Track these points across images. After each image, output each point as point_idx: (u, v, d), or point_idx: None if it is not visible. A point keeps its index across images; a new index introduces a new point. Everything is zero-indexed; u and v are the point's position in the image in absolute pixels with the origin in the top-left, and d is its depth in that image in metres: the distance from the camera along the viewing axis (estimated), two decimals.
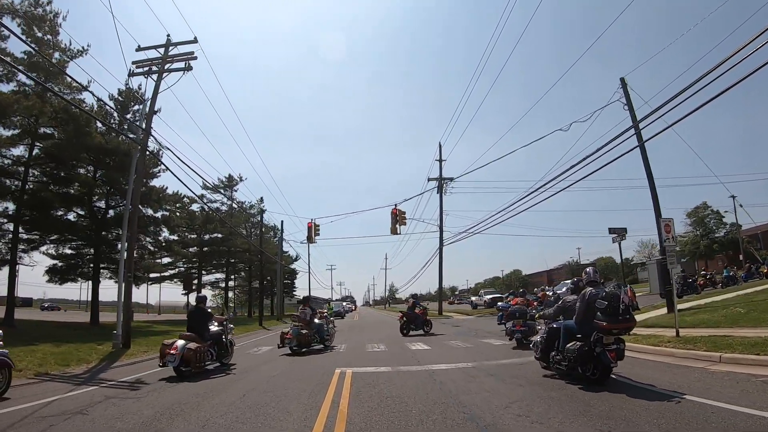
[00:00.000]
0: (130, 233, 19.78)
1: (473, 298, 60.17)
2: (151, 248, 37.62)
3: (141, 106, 24.43)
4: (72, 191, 29.28)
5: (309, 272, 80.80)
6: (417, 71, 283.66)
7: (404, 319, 22.72)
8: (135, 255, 22.57)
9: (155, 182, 34.21)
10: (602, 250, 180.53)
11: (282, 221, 59.35)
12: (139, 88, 27.03)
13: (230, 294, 77.22)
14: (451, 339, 19.04)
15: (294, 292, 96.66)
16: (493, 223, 33.92)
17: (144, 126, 20.73)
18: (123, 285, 19.08)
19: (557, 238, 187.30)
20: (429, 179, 45.73)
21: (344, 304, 76.45)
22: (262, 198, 63.05)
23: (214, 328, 12.52)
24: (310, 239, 33.81)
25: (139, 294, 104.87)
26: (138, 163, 20.33)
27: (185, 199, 46.82)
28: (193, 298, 41.86)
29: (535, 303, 18.16)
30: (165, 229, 38.69)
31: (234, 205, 58.02)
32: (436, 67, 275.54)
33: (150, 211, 34.12)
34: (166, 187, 35.48)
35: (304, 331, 15.54)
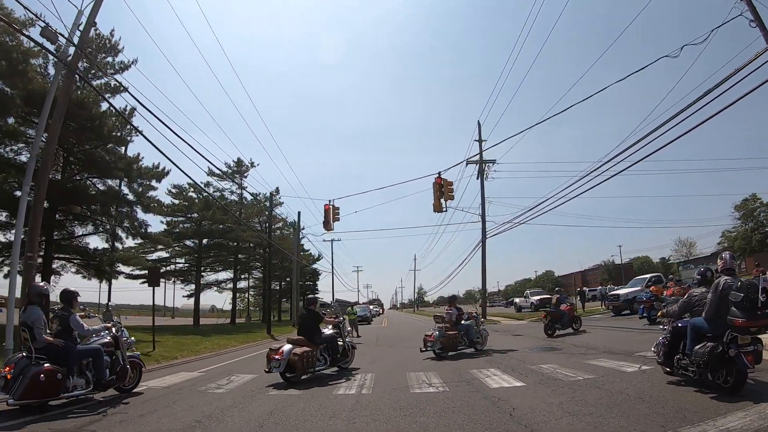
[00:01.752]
0: (36, 193, 13.13)
1: (517, 300, 53.96)
2: (123, 234, 30.21)
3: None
4: None
5: (332, 270, 75.07)
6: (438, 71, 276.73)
7: (548, 318, 20.34)
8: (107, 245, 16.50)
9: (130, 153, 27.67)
10: (641, 249, 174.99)
11: (299, 212, 52.62)
12: None
13: (245, 297, 71.48)
14: (546, 360, 12.58)
15: (317, 295, 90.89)
16: (541, 211, 29.76)
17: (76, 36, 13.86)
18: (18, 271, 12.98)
19: (591, 237, 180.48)
20: (468, 162, 39.58)
21: (371, 307, 70.08)
22: (278, 188, 55.52)
23: (328, 331, 12.33)
24: (327, 225, 26.41)
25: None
26: (59, 93, 13.89)
27: (186, 185, 40.89)
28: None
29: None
30: (140, 211, 31.07)
31: (246, 194, 51.45)
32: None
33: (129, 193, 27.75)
34: (142, 157, 28.78)
35: (452, 332, 14.98)
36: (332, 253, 79.80)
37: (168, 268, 45.86)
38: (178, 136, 18.69)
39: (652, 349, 9.11)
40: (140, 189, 29.55)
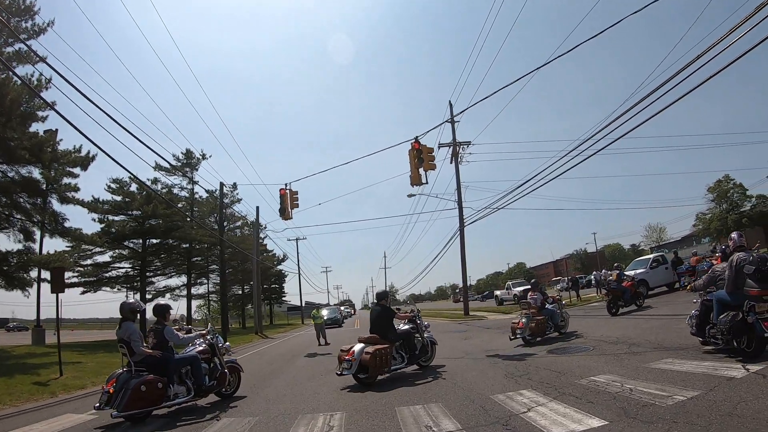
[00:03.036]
0: None
1: (498, 293, 50.57)
2: (36, 231, 25.03)
3: None
4: None
5: (299, 270, 70.10)
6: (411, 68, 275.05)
7: (610, 296, 19.57)
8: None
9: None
10: (612, 236, 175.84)
11: (257, 207, 46.49)
12: None
13: (207, 304, 66.23)
14: (593, 369, 8.98)
15: (284, 298, 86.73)
16: (519, 195, 27.90)
17: None
18: None
19: (561, 228, 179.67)
20: (440, 146, 36.07)
21: (342, 308, 66.10)
22: (235, 183, 50.94)
23: (402, 326, 11.52)
24: (284, 213, 22.18)
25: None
26: None
27: (127, 179, 36.54)
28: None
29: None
30: (55, 201, 26.08)
31: (201, 191, 46.89)
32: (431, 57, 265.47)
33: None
34: (60, 140, 24.24)
35: (539, 318, 14.41)
36: (297, 253, 74.89)
37: (109, 274, 40.30)
38: (107, 113, 14.20)
39: (687, 321, 9.54)
40: (53, 174, 24.74)
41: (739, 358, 7.72)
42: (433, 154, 18.31)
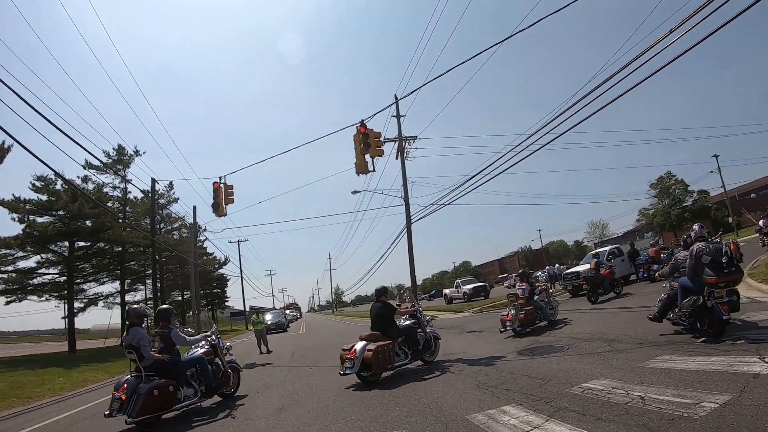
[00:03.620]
0: None
1: (447, 291, 48.94)
2: None
3: None
4: None
5: (241, 273, 67.19)
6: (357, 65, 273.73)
7: (588, 284, 19.85)
8: None
9: None
10: (556, 233, 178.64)
11: (194, 207, 43.32)
12: None
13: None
14: (579, 373, 7.63)
15: (227, 303, 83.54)
16: (465, 190, 25.74)
17: None
18: None
19: (505, 225, 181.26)
20: (385, 140, 34.48)
21: (287, 312, 63.66)
22: (171, 182, 48.17)
23: (404, 322, 11.26)
24: (218, 209, 20.23)
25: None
26: None
27: (51, 176, 33.39)
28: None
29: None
30: None
31: (136, 190, 43.26)
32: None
33: None
34: None
35: (528, 308, 14.35)
36: (239, 255, 71.39)
37: (35, 281, 36.68)
38: (15, 93, 11.96)
39: (656, 303, 10.08)
40: None
41: (702, 338, 8.38)
42: (381, 139, 16.67)
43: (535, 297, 15.16)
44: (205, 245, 63.44)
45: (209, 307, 74.43)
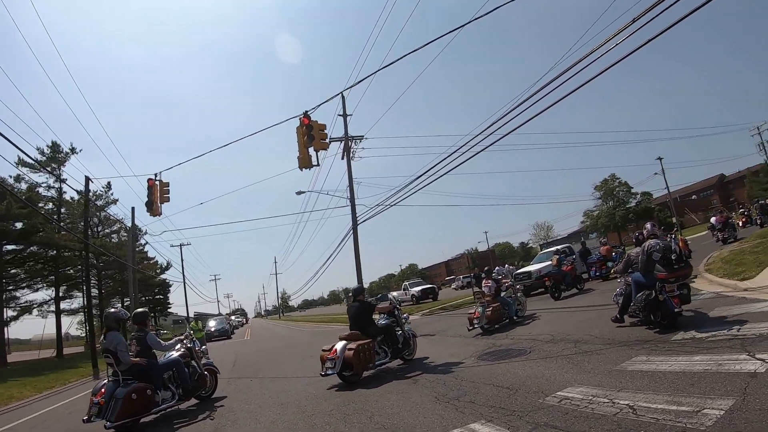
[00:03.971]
0: None
1: (395, 294, 48.02)
2: None
3: None
4: None
5: (183, 278, 64.64)
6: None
7: (551, 281, 19.85)
8: None
9: None
10: (502, 234, 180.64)
11: (133, 208, 41.35)
12: None
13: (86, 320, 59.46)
14: (552, 380, 6.78)
15: (170, 309, 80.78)
16: (412, 190, 24.92)
17: None
18: None
19: (456, 228, 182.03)
20: (331, 140, 33.52)
21: (233, 318, 61.72)
22: (109, 183, 46.05)
23: (382, 320, 11.04)
24: (152, 207, 18.83)
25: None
26: None
27: None
28: None
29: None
30: None
31: (71, 191, 39.86)
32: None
33: None
34: None
35: (495, 305, 14.11)
36: (182, 260, 69.10)
37: None
38: None
39: (612, 299, 10.73)
40: None
41: (656, 330, 8.83)
42: (326, 132, 15.58)
43: (502, 294, 15.03)
44: (145, 249, 61.51)
45: (152, 314, 71.85)
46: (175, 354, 9.69)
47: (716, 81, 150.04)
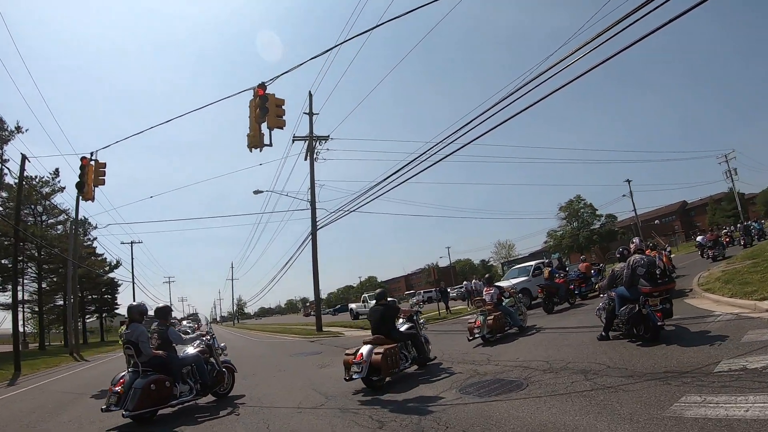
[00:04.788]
0: None
1: (353, 306, 47.03)
2: None
3: None
4: None
5: (132, 277, 61.43)
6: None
7: (544, 293, 18.80)
8: None
9: None
10: (462, 251, 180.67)
11: (78, 197, 37.85)
12: None
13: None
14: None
15: (118, 310, 76.71)
16: (373, 195, 23.74)
17: None
18: None
19: (416, 243, 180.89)
20: (294, 138, 32.13)
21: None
22: (57, 170, 43.44)
23: (404, 326, 10.88)
24: (84, 189, 16.52)
25: None
26: None
27: None
28: None
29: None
30: None
31: (10, 176, 36.78)
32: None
33: None
34: None
35: (497, 313, 13.52)
36: (132, 258, 64.18)
37: None
38: None
39: (596, 313, 11.00)
40: None
41: (639, 343, 8.81)
42: (284, 108, 13.08)
43: (504, 302, 14.44)
44: (94, 245, 58.87)
45: (97, 315, 68.15)
46: (194, 350, 9.69)
47: (674, 110, 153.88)
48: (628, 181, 65.42)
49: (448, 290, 37.51)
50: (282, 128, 12.69)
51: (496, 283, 25.15)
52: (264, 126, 12.34)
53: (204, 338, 10.14)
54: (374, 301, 11.14)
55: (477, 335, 13.18)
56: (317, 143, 32.30)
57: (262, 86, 12.20)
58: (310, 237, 32.05)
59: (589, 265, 23.30)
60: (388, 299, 11.08)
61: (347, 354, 9.84)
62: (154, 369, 8.53)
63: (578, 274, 22.56)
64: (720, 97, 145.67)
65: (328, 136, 32.46)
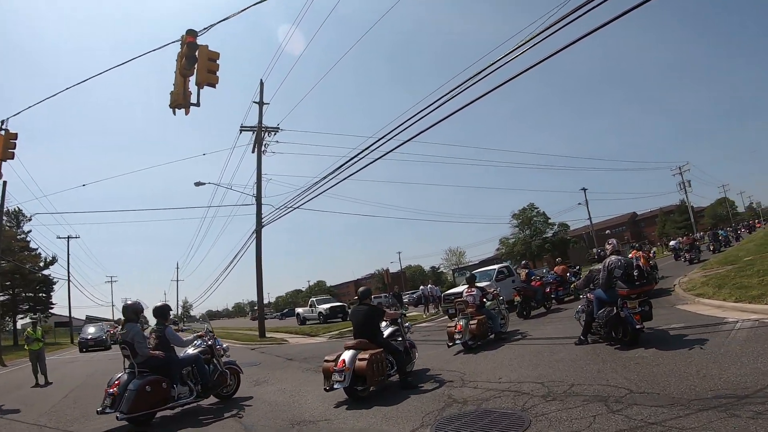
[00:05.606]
0: None
1: (300, 311, 43.81)
2: None
3: None
4: None
5: (68, 275, 57.78)
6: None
7: (521, 296, 18.27)
8: None
9: None
10: (413, 257, 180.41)
11: (5, 182, 34.27)
12: None
13: None
14: None
15: (51, 310, 72.29)
16: (319, 188, 22.57)
17: None
18: None
19: (366, 248, 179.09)
20: (242, 129, 30.37)
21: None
22: None
23: (388, 329, 9.96)
24: None
25: None
26: None
27: None
28: None
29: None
30: None
31: None
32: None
33: None
34: None
35: (480, 317, 12.39)
36: (68, 254, 59.83)
37: None
38: None
39: (575, 316, 10.42)
40: None
41: (617, 346, 8.60)
42: (218, 62, 10.67)
43: (486, 304, 13.32)
44: (28, 239, 55.82)
45: (31, 313, 63.99)
46: (194, 350, 9.37)
47: (623, 129, 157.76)
48: (584, 189, 65.62)
49: (402, 294, 36.05)
50: (214, 86, 10.37)
51: (456, 289, 23.76)
52: (192, 83, 10.09)
53: (204, 339, 9.70)
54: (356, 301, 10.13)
55: (458, 341, 12.07)
56: (266, 134, 30.51)
57: (192, 33, 9.90)
58: (255, 235, 29.91)
59: (566, 268, 22.69)
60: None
61: (327, 361, 8.88)
62: (151, 370, 8.27)
63: (555, 276, 21.80)
64: (666, 116, 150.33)
65: (278, 126, 30.51)
